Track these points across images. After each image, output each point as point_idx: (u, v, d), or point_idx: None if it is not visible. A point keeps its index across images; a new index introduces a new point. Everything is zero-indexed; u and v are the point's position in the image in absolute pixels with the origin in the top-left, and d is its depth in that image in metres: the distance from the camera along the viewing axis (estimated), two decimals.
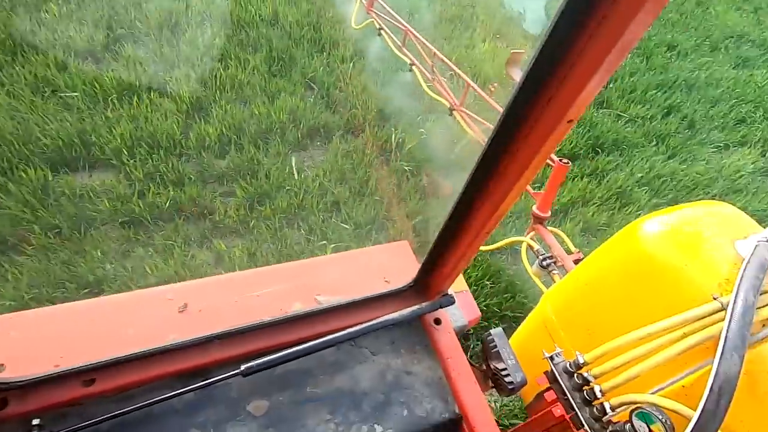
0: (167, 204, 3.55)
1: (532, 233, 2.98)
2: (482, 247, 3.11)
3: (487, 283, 3.55)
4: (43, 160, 3.56)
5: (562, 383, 1.45)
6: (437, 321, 1.17)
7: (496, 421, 1.10)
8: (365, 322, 1.04)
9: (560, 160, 2.69)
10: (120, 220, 3.43)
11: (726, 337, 1.12)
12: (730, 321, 1.14)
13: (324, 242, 3.61)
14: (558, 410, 1.47)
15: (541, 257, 2.70)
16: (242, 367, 0.96)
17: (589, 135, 5.11)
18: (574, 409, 1.40)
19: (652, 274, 1.41)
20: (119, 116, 4.03)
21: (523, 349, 2.03)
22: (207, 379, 0.96)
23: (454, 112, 4.01)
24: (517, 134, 0.69)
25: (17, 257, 3.09)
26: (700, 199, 4.43)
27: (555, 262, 2.66)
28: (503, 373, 1.15)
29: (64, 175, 3.56)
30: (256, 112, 4.42)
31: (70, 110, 3.97)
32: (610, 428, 1.30)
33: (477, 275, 3.58)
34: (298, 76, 4.98)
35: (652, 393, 1.37)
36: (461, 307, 1.29)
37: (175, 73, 4.54)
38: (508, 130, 0.70)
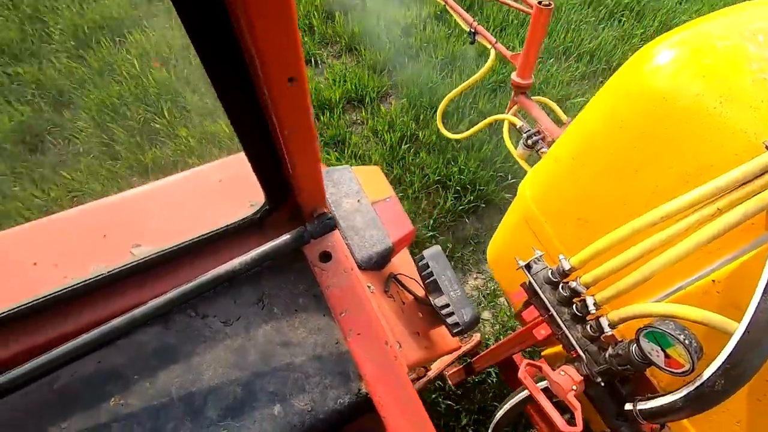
0: None
1: (515, 108, 2.44)
2: (454, 135, 2.59)
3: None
4: None
5: (544, 297, 1.07)
6: (324, 257, 0.74)
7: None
8: (205, 276, 0.63)
9: (539, 2, 2.03)
10: None
11: None
12: None
13: None
14: (542, 331, 1.11)
15: (525, 134, 2.20)
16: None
17: None
18: (561, 329, 1.04)
19: (665, 124, 0.93)
20: None
21: (505, 253, 1.64)
22: None
23: None
24: None
25: None
26: None
27: (543, 138, 2.16)
28: (444, 312, 0.77)
29: None
30: None
31: None
32: (611, 351, 0.94)
33: None
34: None
35: (665, 299, 0.98)
36: (385, 223, 0.86)
37: None
38: None
